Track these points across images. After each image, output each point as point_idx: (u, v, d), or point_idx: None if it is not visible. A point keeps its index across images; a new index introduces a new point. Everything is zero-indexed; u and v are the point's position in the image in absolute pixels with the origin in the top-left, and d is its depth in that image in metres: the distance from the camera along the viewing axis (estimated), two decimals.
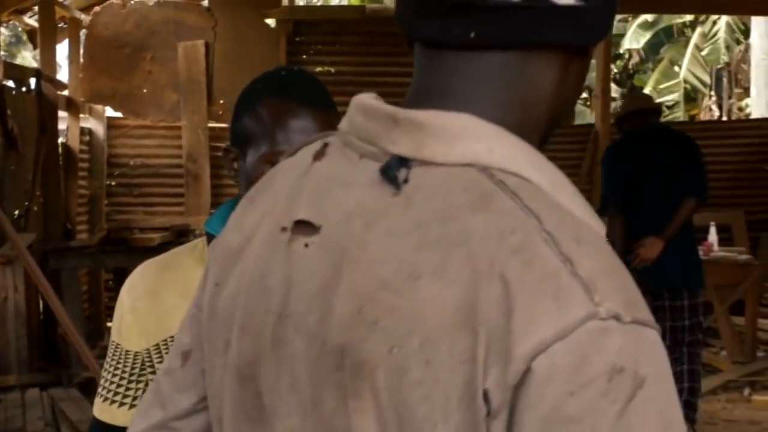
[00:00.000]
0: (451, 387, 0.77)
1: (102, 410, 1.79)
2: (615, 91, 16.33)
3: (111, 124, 9.28)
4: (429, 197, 0.85)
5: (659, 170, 5.50)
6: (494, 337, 0.76)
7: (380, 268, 0.84)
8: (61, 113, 8.37)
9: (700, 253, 6.20)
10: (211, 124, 9.03)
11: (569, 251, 0.79)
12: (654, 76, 18.34)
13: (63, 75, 9.86)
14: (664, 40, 18.84)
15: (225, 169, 1.74)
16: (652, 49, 19.00)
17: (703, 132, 10.35)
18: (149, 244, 7.33)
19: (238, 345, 0.97)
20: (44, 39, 8.42)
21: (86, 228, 8.89)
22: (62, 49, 9.69)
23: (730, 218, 9.23)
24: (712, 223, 7.74)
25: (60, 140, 8.40)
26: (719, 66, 18.74)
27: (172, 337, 1.71)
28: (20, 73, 7.72)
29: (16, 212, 7.17)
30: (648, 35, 18.43)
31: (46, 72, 8.06)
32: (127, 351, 1.76)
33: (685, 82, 17.59)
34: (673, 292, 5.46)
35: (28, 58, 20.63)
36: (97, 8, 9.17)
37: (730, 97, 19.87)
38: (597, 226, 0.87)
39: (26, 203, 7.31)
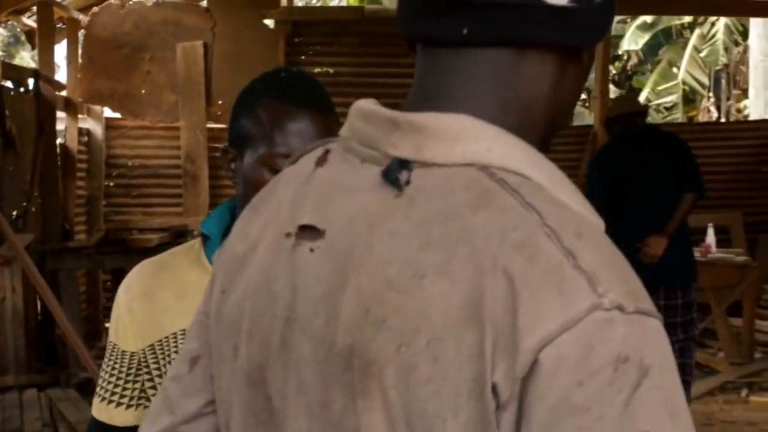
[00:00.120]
0: (459, 382, 0.79)
1: (100, 410, 1.80)
2: (613, 92, 16.33)
3: (109, 124, 9.28)
4: (431, 198, 0.86)
5: (652, 171, 5.56)
6: (501, 332, 0.78)
7: (385, 268, 0.85)
8: (60, 114, 8.36)
9: (698, 254, 6.23)
10: (210, 125, 9.03)
11: (571, 245, 0.80)
12: (652, 78, 18.34)
13: (61, 75, 9.85)
14: (662, 41, 18.84)
15: (223, 170, 1.74)
16: (651, 50, 19.00)
17: (701, 133, 10.38)
18: (147, 244, 7.34)
19: (246, 350, 0.98)
20: (42, 39, 8.41)
21: (84, 228, 8.89)
22: (60, 50, 9.68)
23: (728, 220, 9.23)
24: (710, 224, 7.74)
25: (58, 141, 8.40)
26: (718, 67, 18.75)
27: (167, 337, 1.72)
28: (18, 74, 7.71)
29: (14, 213, 7.17)
30: (646, 36, 18.43)
31: (44, 72, 8.06)
32: (123, 351, 1.76)
33: (684, 83, 17.59)
34: (669, 291, 5.51)
35: (26, 58, 20.64)
36: (95, 9, 9.17)
37: (728, 99, 19.87)
38: (597, 222, 0.89)
39: (24, 204, 7.31)
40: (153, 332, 1.73)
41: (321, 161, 1.00)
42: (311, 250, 0.94)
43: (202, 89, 9.03)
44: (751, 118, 15.24)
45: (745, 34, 17.18)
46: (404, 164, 0.89)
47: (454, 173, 0.87)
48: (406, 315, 0.82)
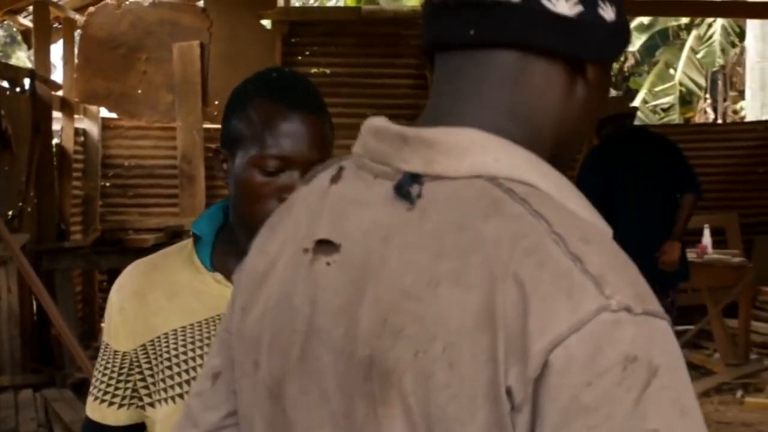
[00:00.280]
0: (475, 386, 0.81)
1: (93, 409, 1.80)
2: (611, 93, 16.31)
3: (105, 124, 9.26)
4: (442, 209, 0.90)
5: (643, 171, 5.62)
6: (512, 336, 0.80)
7: (401, 279, 0.88)
8: (56, 114, 8.35)
9: (694, 255, 6.26)
10: (206, 125, 9.02)
11: (578, 250, 0.83)
12: (649, 79, 18.34)
13: (57, 75, 9.83)
14: (659, 42, 18.85)
15: (215, 171, 1.74)
16: (648, 51, 19.01)
17: (698, 135, 10.39)
18: (143, 245, 7.32)
19: (267, 365, 1.01)
20: (39, 39, 8.41)
21: (80, 229, 8.87)
22: (57, 50, 9.67)
23: (724, 221, 9.24)
24: (706, 225, 7.75)
25: (54, 141, 8.39)
26: (714, 69, 18.75)
27: (159, 337, 1.71)
28: (14, 74, 7.70)
29: (10, 213, 7.16)
30: (643, 38, 18.44)
31: (40, 72, 8.05)
32: (115, 351, 1.76)
33: (681, 84, 17.60)
34: (663, 290, 5.53)
35: (22, 58, 20.60)
36: (91, 8, 9.16)
37: (725, 100, 19.88)
38: (604, 227, 0.92)
39: (20, 204, 7.30)
40: (145, 332, 1.72)
41: (335, 178, 1.03)
42: (328, 264, 0.97)
43: (198, 89, 9.02)
44: (748, 119, 15.24)
45: (742, 36, 17.18)
46: (415, 178, 0.92)
47: (464, 185, 0.90)
48: (423, 323, 0.85)
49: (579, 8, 0.94)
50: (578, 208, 0.92)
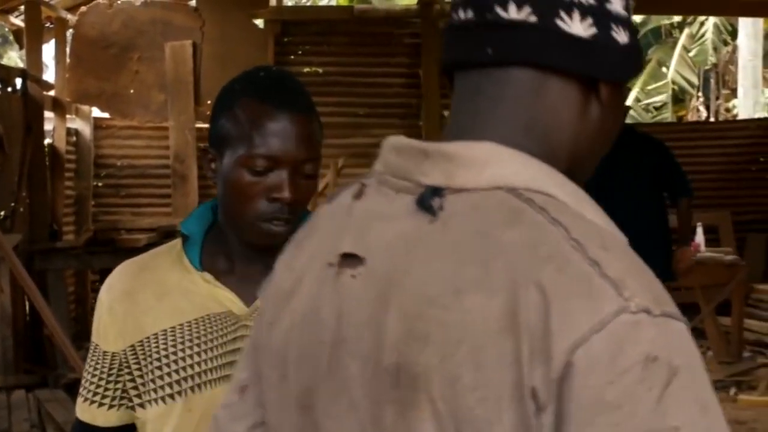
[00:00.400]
0: (502, 388, 0.84)
1: (83, 410, 1.80)
2: None
3: (98, 124, 9.24)
4: (463, 220, 0.93)
5: (629, 169, 5.65)
6: (536, 338, 0.84)
7: (426, 288, 0.91)
8: (48, 114, 8.33)
9: None
10: (199, 125, 9.00)
11: (596, 256, 0.87)
12: (642, 77, 18.36)
13: (49, 75, 9.82)
14: (651, 41, 18.87)
15: (203, 170, 1.74)
16: None
17: (691, 133, 10.41)
18: (136, 244, 7.31)
19: (294, 377, 1.05)
20: (30, 39, 8.39)
21: (73, 229, 8.85)
22: (48, 50, 9.65)
23: (716, 219, 9.25)
24: (699, 223, 7.76)
25: (46, 141, 8.37)
26: (707, 67, 18.79)
27: (148, 338, 1.71)
28: (6, 74, 7.68)
29: (2, 213, 7.14)
30: None
31: (32, 72, 8.03)
32: (105, 351, 1.75)
33: (673, 83, 17.63)
34: None
35: (14, 58, 20.56)
36: (83, 8, 9.14)
37: (717, 98, 19.91)
38: (619, 236, 0.96)
39: (12, 204, 7.28)
40: (134, 333, 1.72)
41: (358, 195, 1.07)
42: (353, 276, 1.00)
43: (190, 89, 9.01)
44: (740, 117, 15.29)
45: (734, 34, 17.22)
46: (436, 191, 0.96)
47: (484, 196, 0.94)
48: (448, 328, 0.88)
49: (593, 30, 0.98)
50: (594, 217, 0.95)
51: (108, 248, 7.43)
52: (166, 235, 7.84)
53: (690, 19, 17.69)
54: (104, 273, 7.94)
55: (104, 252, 7.42)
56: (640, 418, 0.81)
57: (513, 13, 0.98)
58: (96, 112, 9.27)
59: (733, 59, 18.81)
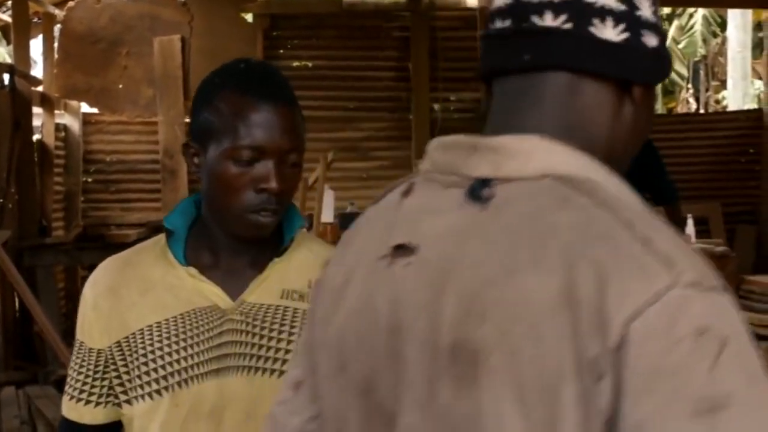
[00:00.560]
0: (561, 360, 0.90)
1: (69, 408, 1.79)
2: None
3: (86, 120, 9.21)
4: (514, 206, 0.99)
5: None
6: (592, 312, 0.89)
7: (481, 270, 0.97)
8: (36, 109, 8.30)
9: None
10: (188, 120, 8.91)
11: (646, 235, 0.93)
12: None
13: (37, 71, 9.77)
14: None
15: (186, 166, 1.73)
16: None
17: (680, 125, 10.41)
18: (125, 240, 7.29)
19: (353, 366, 1.10)
20: (18, 34, 8.35)
21: (62, 225, 8.83)
22: (36, 45, 9.60)
23: (706, 210, 9.26)
24: (689, 215, 7.75)
25: (35, 137, 8.34)
26: (696, 59, 18.82)
27: (133, 333, 1.70)
28: None
29: None
30: None
31: (20, 68, 7.98)
32: (90, 348, 1.75)
33: None
34: None
35: (2, 53, 20.47)
36: (71, 3, 9.09)
37: (707, 90, 19.95)
38: (660, 219, 1.00)
39: (0, 200, 7.25)
40: (119, 329, 1.71)
41: (407, 192, 1.13)
42: (406, 265, 1.05)
43: (179, 84, 8.96)
44: (730, 108, 15.31)
45: (723, 26, 17.24)
46: (485, 182, 1.02)
47: (532, 184, 1.00)
48: (506, 306, 0.94)
49: (625, 35, 1.05)
50: (636, 203, 1.01)
51: (98, 244, 7.40)
52: (155, 230, 7.82)
53: (679, 10, 17.71)
54: (94, 269, 7.89)
55: (94, 247, 7.39)
56: (694, 385, 0.87)
57: (549, 20, 1.04)
58: (85, 108, 9.24)
59: (722, 51, 18.84)
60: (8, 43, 9.47)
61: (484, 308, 0.95)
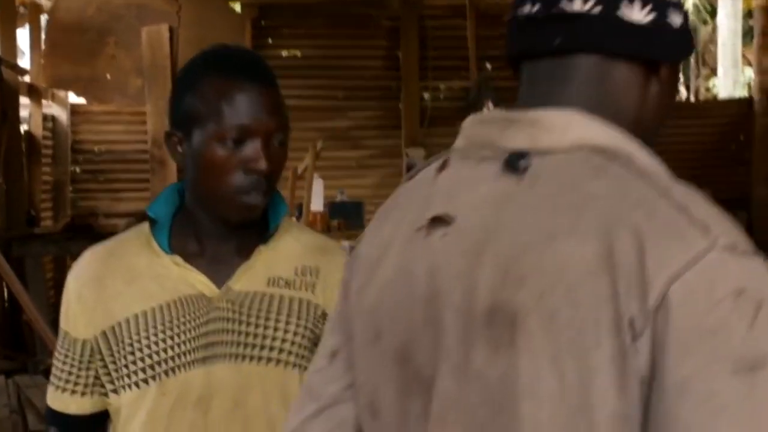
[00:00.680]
0: (599, 320, 0.93)
1: (54, 399, 1.78)
2: None
3: (75, 110, 9.19)
4: (551, 175, 1.02)
5: None
6: (632, 275, 0.92)
7: (519, 236, 1.00)
8: (23, 100, 8.26)
9: None
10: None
11: (682, 201, 0.97)
12: None
13: (24, 61, 9.73)
14: None
15: (169, 155, 1.71)
16: None
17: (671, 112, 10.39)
18: (114, 230, 7.27)
19: (390, 334, 1.12)
20: (4, 24, 8.30)
21: (51, 215, 8.81)
22: (23, 35, 9.55)
23: None
24: None
25: (23, 127, 8.31)
26: None
27: (119, 323, 1.69)
28: None
29: None
30: None
31: (6, 58, 7.94)
32: (75, 339, 1.73)
33: None
34: None
35: None
36: None
37: (697, 78, 19.96)
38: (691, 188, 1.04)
39: None
40: (104, 319, 1.70)
41: (442, 168, 1.15)
42: (443, 236, 1.07)
43: (168, 73, 8.91)
44: (720, 96, 15.33)
45: (713, 14, 17.25)
46: (522, 154, 1.04)
47: (569, 155, 1.02)
48: (544, 270, 0.96)
49: (652, 16, 1.07)
50: (666, 175, 1.03)
51: (86, 234, 7.38)
52: (143, 219, 7.82)
53: None
54: None
55: (82, 237, 7.35)
56: (734, 344, 0.90)
57: (578, 5, 1.06)
58: (72, 98, 9.20)
59: (713, 39, 18.84)
60: None
61: (521, 273, 0.98)
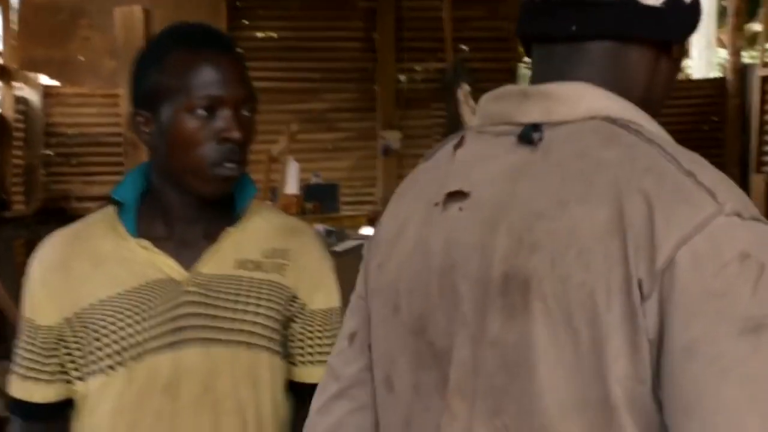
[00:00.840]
0: (610, 282, 0.95)
1: (17, 388, 1.73)
2: None
3: (47, 92, 9.08)
4: (564, 144, 1.05)
5: None
6: (641, 238, 0.95)
7: (532, 204, 1.03)
8: None
9: None
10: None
11: (690, 167, 0.99)
12: None
13: None
14: None
15: (136, 135, 1.68)
16: None
17: None
18: (87, 213, 7.21)
19: (407, 305, 1.15)
20: None
21: (22, 199, 8.73)
22: None
23: None
24: None
25: None
26: None
27: (85, 308, 1.65)
28: None
29: None
30: None
31: None
32: (39, 326, 1.69)
33: None
34: None
35: None
36: None
37: None
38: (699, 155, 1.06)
39: None
40: (71, 303, 1.66)
41: (458, 145, 1.18)
42: (460, 209, 1.11)
43: None
44: (694, 77, 15.39)
45: None
46: (536, 126, 1.07)
47: (581, 125, 1.06)
48: (556, 235, 0.99)
49: None
50: (674, 143, 1.06)
51: (59, 217, 7.32)
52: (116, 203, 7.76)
53: None
54: None
55: (55, 221, 7.26)
56: (740, 306, 0.93)
57: None
58: (45, 80, 9.11)
59: None
60: None
61: (535, 239, 1.01)
